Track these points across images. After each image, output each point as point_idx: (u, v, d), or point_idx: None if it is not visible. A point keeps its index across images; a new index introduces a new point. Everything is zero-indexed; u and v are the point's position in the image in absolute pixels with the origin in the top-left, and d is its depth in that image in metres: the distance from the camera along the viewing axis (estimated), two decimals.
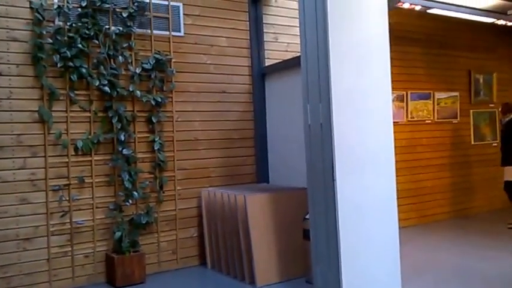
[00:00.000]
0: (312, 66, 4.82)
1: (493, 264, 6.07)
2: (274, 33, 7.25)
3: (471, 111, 9.79)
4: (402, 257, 4.99)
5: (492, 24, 8.38)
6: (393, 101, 8.35)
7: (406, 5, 7.15)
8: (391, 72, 5.00)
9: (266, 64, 7.09)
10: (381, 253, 4.84)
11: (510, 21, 8.27)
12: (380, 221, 4.85)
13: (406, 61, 8.70)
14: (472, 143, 9.80)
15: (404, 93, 8.65)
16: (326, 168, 4.64)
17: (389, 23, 5.01)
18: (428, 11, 7.59)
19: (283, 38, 7.32)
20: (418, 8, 7.35)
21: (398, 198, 4.99)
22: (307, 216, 5.13)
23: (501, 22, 8.28)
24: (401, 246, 5.02)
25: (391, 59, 4.98)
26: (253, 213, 5.60)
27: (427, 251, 6.87)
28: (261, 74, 7.05)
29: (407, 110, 8.70)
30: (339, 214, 4.55)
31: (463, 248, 6.96)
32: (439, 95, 9.18)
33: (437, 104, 9.16)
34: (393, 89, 7.07)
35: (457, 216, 9.25)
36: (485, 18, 8.03)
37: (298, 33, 5.05)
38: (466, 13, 7.75)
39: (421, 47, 9.03)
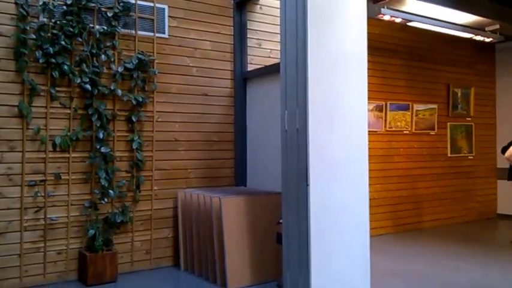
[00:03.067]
0: (290, 72, 4.82)
1: (462, 275, 6.10)
2: (258, 39, 7.23)
3: (448, 123, 9.84)
4: (373, 264, 4.99)
5: (471, 39, 8.41)
6: (372, 110, 8.40)
7: (386, 17, 7.12)
8: (371, 83, 5.05)
9: (249, 69, 7.07)
10: (351, 259, 4.83)
11: (488, 37, 8.31)
12: (352, 228, 4.85)
13: (387, 72, 8.75)
14: (449, 155, 9.83)
15: (384, 103, 8.66)
16: (300, 173, 4.63)
17: (370, 34, 5.01)
18: (409, 23, 7.58)
19: (266, 44, 7.30)
20: (398, 20, 7.33)
21: (373, 206, 5.04)
22: (280, 221, 5.07)
23: (479, 38, 8.31)
24: (373, 253, 5.02)
25: (372, 69, 5.02)
26: (227, 215, 5.57)
27: (398, 260, 6.87)
28: (242, 79, 7.03)
29: (385, 120, 8.71)
30: (311, 219, 4.53)
31: (435, 258, 6.96)
32: (417, 106, 9.21)
33: (416, 116, 9.19)
34: (372, 99, 7.08)
35: (432, 226, 9.28)
36: (464, 33, 8.06)
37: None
38: (446, 28, 7.75)
39: (402, 59, 9.06)
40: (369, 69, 4.95)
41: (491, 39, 8.47)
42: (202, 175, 6.73)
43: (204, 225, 5.88)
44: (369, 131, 5.02)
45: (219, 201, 5.59)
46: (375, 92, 7.95)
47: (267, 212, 5.84)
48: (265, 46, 7.29)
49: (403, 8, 7.15)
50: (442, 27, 7.72)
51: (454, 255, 7.15)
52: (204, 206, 5.89)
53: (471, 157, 10.26)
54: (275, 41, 7.18)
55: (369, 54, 4.97)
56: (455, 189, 9.87)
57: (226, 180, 6.94)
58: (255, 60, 7.15)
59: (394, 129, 8.85)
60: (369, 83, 4.96)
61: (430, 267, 6.47)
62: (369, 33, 4.99)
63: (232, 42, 7.01)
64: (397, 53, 8.98)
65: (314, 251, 4.55)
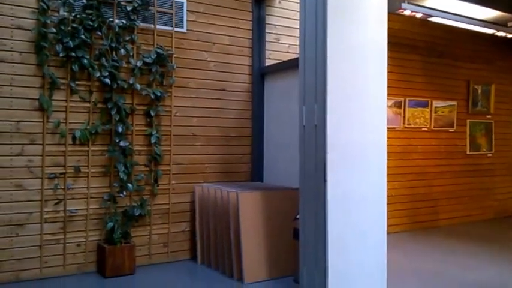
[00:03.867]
0: (309, 67, 4.81)
1: (478, 274, 6.09)
2: (276, 34, 7.27)
3: (468, 121, 9.78)
4: (389, 262, 4.98)
5: (492, 35, 8.33)
6: (391, 107, 8.38)
7: (407, 12, 7.09)
8: (390, 79, 5.00)
9: (267, 64, 7.11)
10: (368, 256, 4.83)
11: (510, 33, 8.24)
12: (369, 224, 4.84)
13: (406, 68, 8.71)
14: (468, 152, 9.78)
15: (402, 99, 8.63)
16: (318, 169, 4.64)
17: (389, 29, 5.00)
18: (430, 19, 7.55)
19: (284, 39, 7.34)
20: (419, 15, 7.29)
21: (390, 203, 5.01)
22: (297, 216, 5.13)
23: (501, 34, 8.24)
24: (390, 251, 5.01)
25: (391, 65, 4.97)
26: (244, 210, 5.61)
27: (414, 257, 6.86)
28: (261, 74, 7.07)
29: (404, 117, 8.68)
30: (328, 215, 4.53)
31: (451, 256, 6.95)
32: (436, 103, 9.16)
33: (435, 112, 9.15)
34: (391, 95, 7.04)
35: (448, 225, 9.25)
36: (485, 29, 7.99)
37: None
38: (467, 23, 7.68)
39: (421, 54, 9.00)
40: (388, 65, 4.95)
41: None
42: (219, 170, 6.79)
43: (221, 220, 5.93)
44: (387, 128, 5.01)
45: (236, 195, 5.62)
46: (393, 88, 7.87)
47: (283, 207, 5.87)
48: (283, 41, 7.33)
49: (424, 3, 7.12)
50: (463, 22, 7.65)
51: (470, 253, 7.11)
52: (221, 200, 5.93)
53: (490, 155, 10.18)
54: (293, 36, 7.21)
55: (388, 49, 4.96)
56: (473, 187, 9.80)
57: (243, 175, 6.99)
58: (273, 55, 7.19)
59: (412, 125, 8.81)
60: (388, 79, 4.96)
61: (446, 265, 6.46)
62: (388, 28, 4.97)
63: (251, 37, 7.05)
64: (417, 48, 8.92)
65: (331, 246, 4.54)
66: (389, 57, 5.00)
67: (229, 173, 6.87)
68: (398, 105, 8.57)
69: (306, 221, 4.84)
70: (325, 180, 4.55)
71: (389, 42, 4.99)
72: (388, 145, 4.98)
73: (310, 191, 4.77)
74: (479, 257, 6.91)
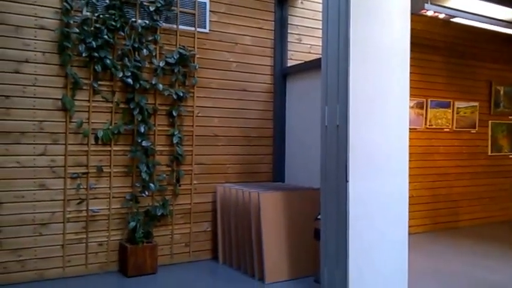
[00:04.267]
0: (332, 68, 4.74)
1: (498, 276, 5.94)
2: (298, 34, 7.12)
3: (490, 122, 9.56)
4: (409, 262, 4.91)
5: None
6: (413, 107, 8.20)
7: (429, 13, 6.90)
8: (412, 79, 4.90)
9: (288, 65, 6.96)
10: (389, 256, 4.77)
11: None
12: (390, 225, 4.78)
13: (427, 69, 8.51)
14: (489, 153, 9.56)
15: (424, 100, 8.44)
16: (339, 169, 4.57)
17: (411, 30, 4.90)
18: (452, 19, 7.36)
19: (306, 39, 7.19)
20: (441, 16, 7.12)
21: (411, 204, 4.91)
22: (319, 216, 5.04)
23: None
24: (410, 251, 4.93)
25: (412, 66, 4.87)
26: (266, 210, 5.51)
27: (434, 258, 6.71)
28: (282, 74, 6.92)
29: (426, 118, 8.49)
30: (349, 215, 4.48)
31: (471, 257, 6.79)
32: (458, 104, 8.96)
33: (457, 113, 8.94)
34: (413, 96, 6.90)
35: (469, 226, 9.05)
36: (507, 29, 7.78)
37: (321, 36, 4.97)
38: (489, 24, 7.49)
39: (443, 55, 8.80)
40: (410, 66, 4.86)
41: None
42: (241, 170, 6.66)
43: (243, 220, 5.82)
44: (409, 128, 4.93)
45: (258, 196, 5.52)
46: (415, 88, 7.73)
47: (304, 207, 5.77)
48: (305, 41, 7.18)
49: (447, 4, 6.97)
50: (485, 23, 7.47)
51: (491, 255, 6.95)
52: (242, 200, 5.82)
53: None
54: (315, 36, 7.09)
55: (410, 50, 4.87)
56: (494, 189, 9.60)
57: (264, 175, 6.85)
58: (295, 55, 7.04)
59: (434, 126, 8.62)
60: (410, 80, 4.87)
61: (466, 266, 6.32)
62: (411, 29, 4.89)
63: (273, 38, 6.91)
64: (438, 49, 8.72)
65: (352, 247, 4.50)
66: (411, 58, 4.90)
67: (250, 173, 6.73)
68: (420, 106, 8.39)
69: (327, 221, 4.77)
70: (346, 181, 4.49)
71: (411, 43, 4.88)
72: (409, 146, 4.90)
73: (331, 191, 4.71)
74: (499, 259, 6.73)
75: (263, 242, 5.47)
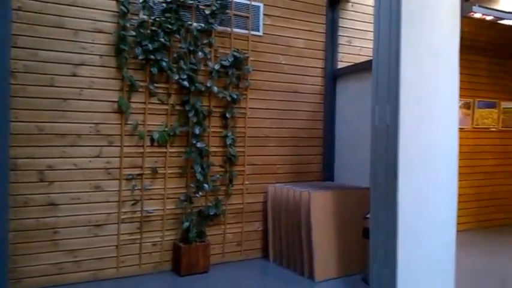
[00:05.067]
0: (382, 69, 4.35)
1: None
2: (349, 36, 6.39)
3: None
4: (456, 260, 4.49)
5: None
6: (460, 107, 7.38)
7: (477, 15, 6.15)
8: (459, 80, 4.50)
9: (339, 67, 6.24)
10: (437, 256, 4.35)
11: None
12: (439, 224, 4.37)
13: (474, 69, 7.70)
14: None
15: (471, 100, 7.64)
16: (389, 168, 4.20)
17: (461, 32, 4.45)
18: (500, 21, 6.54)
19: (356, 41, 6.45)
20: (489, 18, 6.32)
21: (458, 202, 4.47)
22: (368, 215, 4.63)
23: None
24: (457, 249, 4.50)
25: (460, 66, 4.44)
26: (316, 209, 5.01)
27: (482, 256, 6.09)
28: (333, 76, 6.22)
29: (473, 117, 7.68)
30: (399, 214, 4.10)
31: None
32: (504, 104, 8.10)
33: (503, 113, 8.09)
34: (460, 96, 6.20)
35: None
36: None
37: (371, 38, 4.58)
38: None
39: (489, 56, 7.96)
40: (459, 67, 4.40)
41: None
42: (291, 170, 6.00)
43: (293, 219, 5.29)
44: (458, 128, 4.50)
45: (308, 195, 5.05)
46: (462, 89, 6.86)
47: (354, 206, 5.26)
48: (355, 44, 6.44)
49: (495, 6, 6.36)
50: None
51: None
52: (293, 200, 5.28)
53: None
54: (365, 39, 6.40)
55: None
56: None
57: (314, 175, 6.18)
58: (345, 57, 6.33)
59: (481, 126, 7.82)
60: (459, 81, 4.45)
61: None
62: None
63: (324, 40, 6.20)
64: (484, 50, 7.90)
65: (401, 244, 4.13)
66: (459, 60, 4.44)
67: (300, 173, 6.07)
68: (467, 106, 7.59)
69: (376, 219, 4.39)
70: (396, 179, 4.11)
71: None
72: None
73: (381, 189, 4.33)
74: None
75: (313, 241, 4.99)
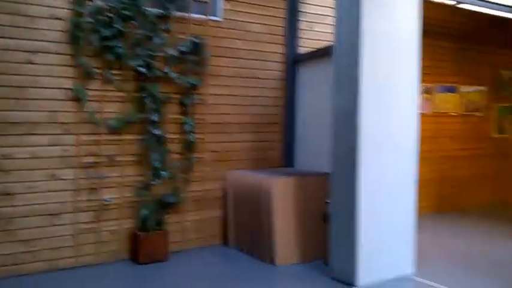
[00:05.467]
0: (343, 54, 4.48)
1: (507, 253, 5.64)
2: (309, 21, 6.43)
3: (495, 105, 8.87)
4: (417, 241, 4.81)
5: None
6: (421, 93, 7.52)
7: None
8: (422, 65, 4.73)
9: (300, 52, 6.30)
10: (398, 237, 4.61)
11: None
12: (399, 207, 4.59)
13: (435, 54, 7.84)
14: (494, 136, 8.91)
15: (431, 85, 7.81)
16: (349, 153, 4.36)
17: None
18: (459, 5, 6.71)
19: (317, 26, 6.49)
20: (450, 2, 6.48)
21: (419, 186, 4.72)
22: (328, 200, 4.74)
23: None
24: (418, 232, 4.83)
25: (421, 52, 4.65)
26: (277, 195, 5.09)
27: (442, 238, 6.35)
28: (293, 62, 6.28)
29: (432, 102, 7.87)
30: (359, 198, 4.30)
31: (477, 236, 6.48)
32: (465, 88, 8.31)
33: (463, 98, 8.30)
34: (422, 81, 6.35)
35: (475, 206, 8.44)
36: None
37: (332, 23, 4.67)
38: (496, 9, 6.96)
39: (450, 41, 8.13)
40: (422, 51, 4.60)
41: None
42: (252, 157, 6.08)
43: (254, 205, 5.37)
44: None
45: (269, 181, 5.14)
46: (424, 74, 7.05)
47: (314, 191, 5.35)
48: (316, 29, 6.49)
49: None
50: (492, 9, 6.93)
51: (497, 234, 6.59)
52: (253, 186, 5.36)
53: None
54: (326, 23, 6.43)
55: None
56: (499, 170, 8.94)
57: (275, 161, 6.28)
58: (306, 43, 6.37)
59: (441, 111, 8.03)
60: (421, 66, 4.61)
61: (471, 244, 6.06)
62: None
63: (284, 25, 6.24)
64: (446, 35, 8.05)
65: (361, 229, 4.33)
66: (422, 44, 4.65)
67: (261, 159, 6.16)
68: (427, 91, 7.76)
69: (336, 203, 4.55)
70: (356, 164, 4.30)
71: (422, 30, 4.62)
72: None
73: (342, 174, 4.47)
74: (503, 236, 6.45)
75: (274, 227, 5.09)
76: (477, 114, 8.56)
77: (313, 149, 5.98)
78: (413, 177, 4.68)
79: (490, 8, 6.88)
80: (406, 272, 4.68)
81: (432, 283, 4.57)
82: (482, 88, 8.60)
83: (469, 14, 7.46)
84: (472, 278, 4.79)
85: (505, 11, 7.02)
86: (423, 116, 7.53)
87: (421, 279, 4.63)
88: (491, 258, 5.39)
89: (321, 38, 6.46)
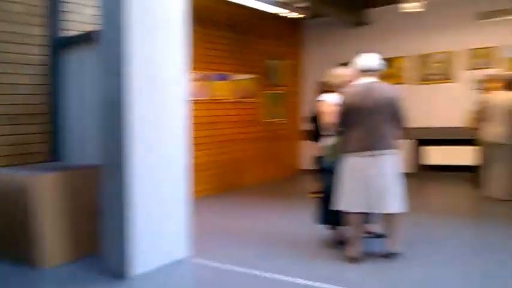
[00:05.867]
0: (109, 40, 4.28)
1: (277, 225, 6.09)
2: (77, 3, 5.98)
3: (265, 92, 9.58)
4: (199, 223, 4.95)
5: (285, 16, 8.53)
6: (198, 80, 7.73)
7: None
8: (198, 53, 4.87)
9: (66, 36, 5.82)
10: (171, 223, 4.66)
11: (295, 12, 8.43)
12: (172, 191, 4.62)
13: (211, 43, 8.17)
14: (265, 120, 9.63)
15: (207, 73, 8.05)
16: (121, 143, 4.20)
17: (195, 5, 4.69)
18: None
19: (87, 9, 6.05)
20: None
21: (198, 171, 4.94)
22: (100, 193, 4.53)
23: (291, 15, 8.52)
24: (199, 213, 5.00)
25: (198, 40, 4.61)
26: (38, 193, 4.63)
27: (222, 216, 6.70)
28: (59, 46, 5.77)
29: (209, 89, 8.12)
30: (129, 189, 4.20)
31: (255, 212, 6.97)
32: (238, 76, 8.78)
33: (236, 85, 8.75)
34: (198, 69, 6.52)
35: (251, 185, 9.04)
36: (276, 8, 8.05)
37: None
38: (263, 2, 7.63)
39: (225, 31, 8.52)
40: (195, 40, 4.59)
41: (299, 15, 8.71)
42: (9, 152, 5.41)
43: (11, 206, 4.80)
44: (194, 100, 4.82)
45: (30, 178, 4.65)
46: (200, 62, 7.36)
47: (85, 185, 5.02)
48: (85, 11, 6.04)
49: None
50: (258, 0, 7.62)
51: (272, 208, 7.17)
52: (11, 185, 4.80)
53: (284, 122, 10.20)
54: (97, 6, 6.00)
55: (194, 25, 4.62)
56: (271, 151, 9.72)
57: (40, 156, 5.69)
58: (75, 26, 5.92)
59: (217, 97, 8.35)
60: (195, 54, 4.66)
61: (251, 220, 6.43)
62: (194, 4, 4.60)
63: (46, 5, 5.71)
64: (221, 25, 8.44)
65: (133, 219, 4.23)
66: (196, 33, 4.69)
67: (22, 154, 5.51)
68: (205, 78, 8.00)
69: (108, 196, 4.38)
70: (128, 154, 4.18)
71: (195, 18, 4.65)
72: (195, 116, 4.80)
73: (113, 166, 4.30)
74: (279, 211, 7.01)
75: (40, 227, 4.62)
76: (249, 100, 9.12)
77: (86, 140, 5.56)
78: (185, 163, 4.69)
79: (256, 0, 7.47)
80: (183, 256, 4.68)
81: (207, 261, 4.66)
82: (253, 76, 9.17)
83: (241, 6, 7.90)
84: (245, 251, 5.02)
85: (269, 4, 7.59)
86: (201, 103, 7.87)
87: (197, 260, 4.69)
88: (263, 231, 5.78)
89: (93, 22, 6.00)
